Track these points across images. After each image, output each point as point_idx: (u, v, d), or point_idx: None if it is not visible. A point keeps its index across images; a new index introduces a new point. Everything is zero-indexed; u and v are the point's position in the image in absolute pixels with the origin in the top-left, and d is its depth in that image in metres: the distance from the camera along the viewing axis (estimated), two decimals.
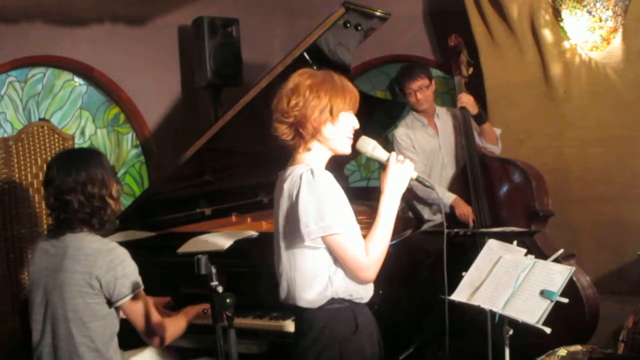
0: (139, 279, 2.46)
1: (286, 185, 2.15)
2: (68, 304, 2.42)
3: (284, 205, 2.16)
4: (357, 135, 2.25)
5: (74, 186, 2.44)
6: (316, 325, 2.17)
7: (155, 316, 2.53)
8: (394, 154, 2.22)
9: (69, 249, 2.44)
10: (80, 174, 2.46)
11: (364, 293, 2.22)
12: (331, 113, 2.14)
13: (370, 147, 2.24)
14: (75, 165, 2.48)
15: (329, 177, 2.13)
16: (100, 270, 2.40)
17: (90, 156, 2.56)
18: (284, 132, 2.17)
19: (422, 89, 3.94)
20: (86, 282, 2.40)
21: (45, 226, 3.69)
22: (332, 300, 2.17)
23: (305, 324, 2.21)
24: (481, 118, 3.91)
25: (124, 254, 2.47)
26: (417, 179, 2.24)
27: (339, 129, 2.18)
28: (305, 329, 2.20)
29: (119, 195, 2.64)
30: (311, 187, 2.08)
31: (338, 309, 2.17)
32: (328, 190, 2.10)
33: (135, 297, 2.45)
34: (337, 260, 2.14)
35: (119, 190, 2.64)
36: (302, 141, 2.18)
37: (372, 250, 2.14)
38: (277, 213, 2.21)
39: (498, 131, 4.00)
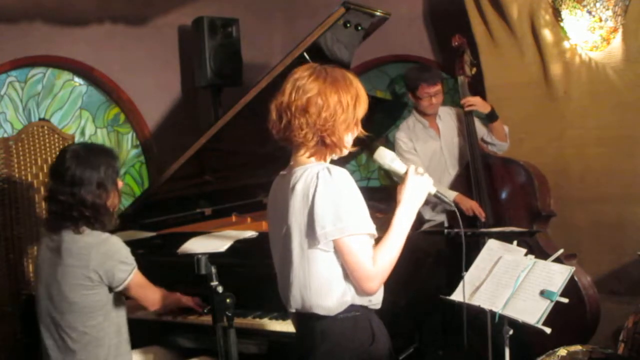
0: (133, 260, 2.55)
1: (299, 186, 2.03)
2: (67, 296, 2.47)
3: (296, 206, 2.03)
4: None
5: (77, 190, 2.48)
6: (332, 336, 2.05)
7: (154, 288, 2.67)
8: (412, 166, 2.15)
9: (63, 243, 2.50)
10: (91, 175, 2.50)
11: (381, 297, 2.14)
12: (356, 124, 2.10)
13: (389, 159, 2.16)
14: (88, 165, 2.51)
15: (348, 176, 2.02)
16: (96, 262, 2.46)
17: (103, 156, 2.58)
18: (308, 138, 2.05)
19: (437, 94, 3.92)
20: (84, 276, 2.46)
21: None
22: (351, 307, 2.05)
23: (318, 334, 2.07)
24: (493, 116, 3.89)
25: (116, 242, 2.54)
26: (435, 195, 2.17)
27: (353, 137, 2.13)
28: (319, 340, 2.06)
29: (120, 194, 2.68)
30: (329, 186, 1.97)
31: (355, 318, 2.06)
32: (347, 190, 2.00)
33: (133, 277, 2.53)
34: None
35: (121, 187, 2.69)
36: (324, 148, 2.08)
37: (380, 260, 2.02)
38: (284, 216, 2.08)
39: (506, 128, 4.00)
